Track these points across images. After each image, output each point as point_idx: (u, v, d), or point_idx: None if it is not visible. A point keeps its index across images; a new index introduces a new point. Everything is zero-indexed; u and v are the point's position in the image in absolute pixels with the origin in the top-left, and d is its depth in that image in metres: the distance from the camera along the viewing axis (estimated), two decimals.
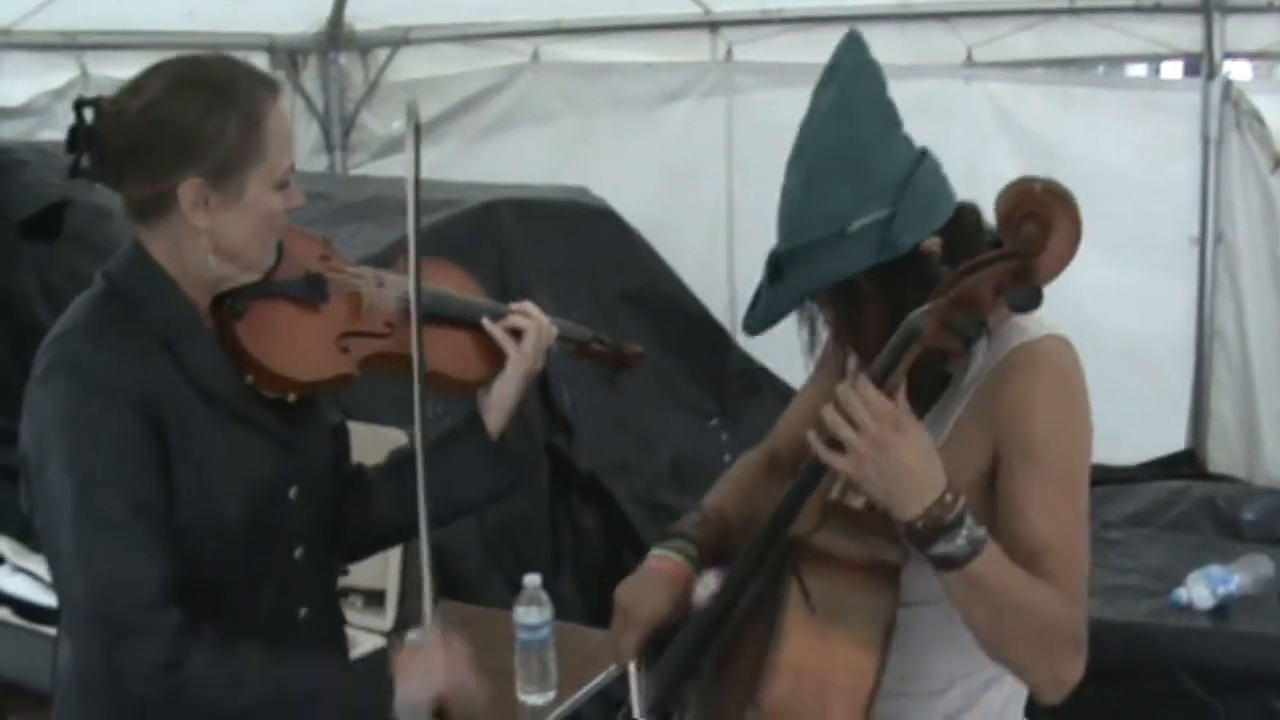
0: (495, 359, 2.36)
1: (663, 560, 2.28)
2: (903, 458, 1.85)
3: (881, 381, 1.87)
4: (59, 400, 1.96)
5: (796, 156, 2.07)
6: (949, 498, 1.85)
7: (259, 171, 2.02)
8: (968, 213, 2.07)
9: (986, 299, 1.85)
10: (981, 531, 1.86)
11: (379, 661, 2.14)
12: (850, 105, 2.04)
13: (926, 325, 1.85)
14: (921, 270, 1.98)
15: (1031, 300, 1.85)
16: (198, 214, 2.00)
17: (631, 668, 2.24)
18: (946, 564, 1.86)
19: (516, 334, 2.35)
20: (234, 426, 2.07)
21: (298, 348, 2.14)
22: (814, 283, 2.02)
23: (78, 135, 2.00)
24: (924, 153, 2.06)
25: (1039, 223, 1.79)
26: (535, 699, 3.00)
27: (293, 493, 2.16)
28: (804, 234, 2.01)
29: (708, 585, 2.24)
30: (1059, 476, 1.95)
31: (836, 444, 1.88)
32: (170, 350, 2.02)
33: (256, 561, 2.10)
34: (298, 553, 2.18)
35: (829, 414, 1.89)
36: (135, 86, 2.01)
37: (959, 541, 1.84)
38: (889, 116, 2.06)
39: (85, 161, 2.01)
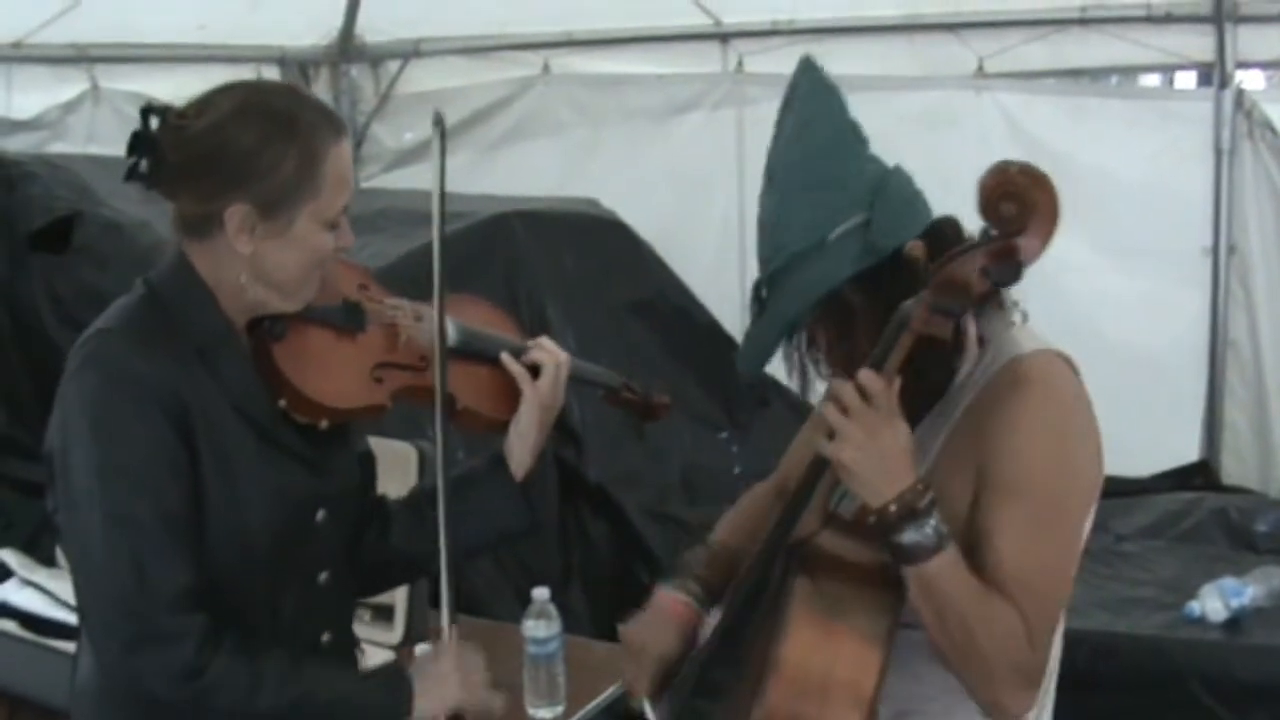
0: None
1: (670, 599, 2.30)
2: (885, 442, 1.88)
3: (877, 370, 1.89)
4: (88, 396, 1.95)
5: (767, 185, 2.08)
6: (921, 486, 1.88)
7: (310, 209, 2.01)
8: (947, 225, 2.07)
9: (974, 281, 1.87)
10: (946, 530, 1.88)
11: (398, 675, 2.14)
12: (813, 122, 2.05)
13: (916, 312, 1.87)
14: (907, 276, 1.98)
15: (1012, 274, 1.86)
16: (241, 239, 2.00)
17: (648, 707, 2.25)
18: (912, 555, 1.86)
19: (535, 369, 2.31)
20: (263, 442, 2.06)
21: (333, 375, 2.13)
22: (800, 300, 2.02)
23: (140, 140, 2.00)
24: (895, 168, 2.07)
25: (1017, 202, 1.82)
26: (544, 713, 2.99)
27: (320, 515, 2.15)
28: (783, 252, 2.02)
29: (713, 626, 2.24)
30: (1037, 511, 1.92)
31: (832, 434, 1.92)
32: (204, 361, 2.02)
33: (280, 581, 2.10)
34: (322, 577, 2.18)
35: (826, 406, 1.93)
36: (204, 103, 2.02)
37: (928, 530, 1.86)
38: (854, 132, 2.07)
39: (143, 167, 2.01)
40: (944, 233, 2.04)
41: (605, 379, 2.53)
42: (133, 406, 1.94)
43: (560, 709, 3.00)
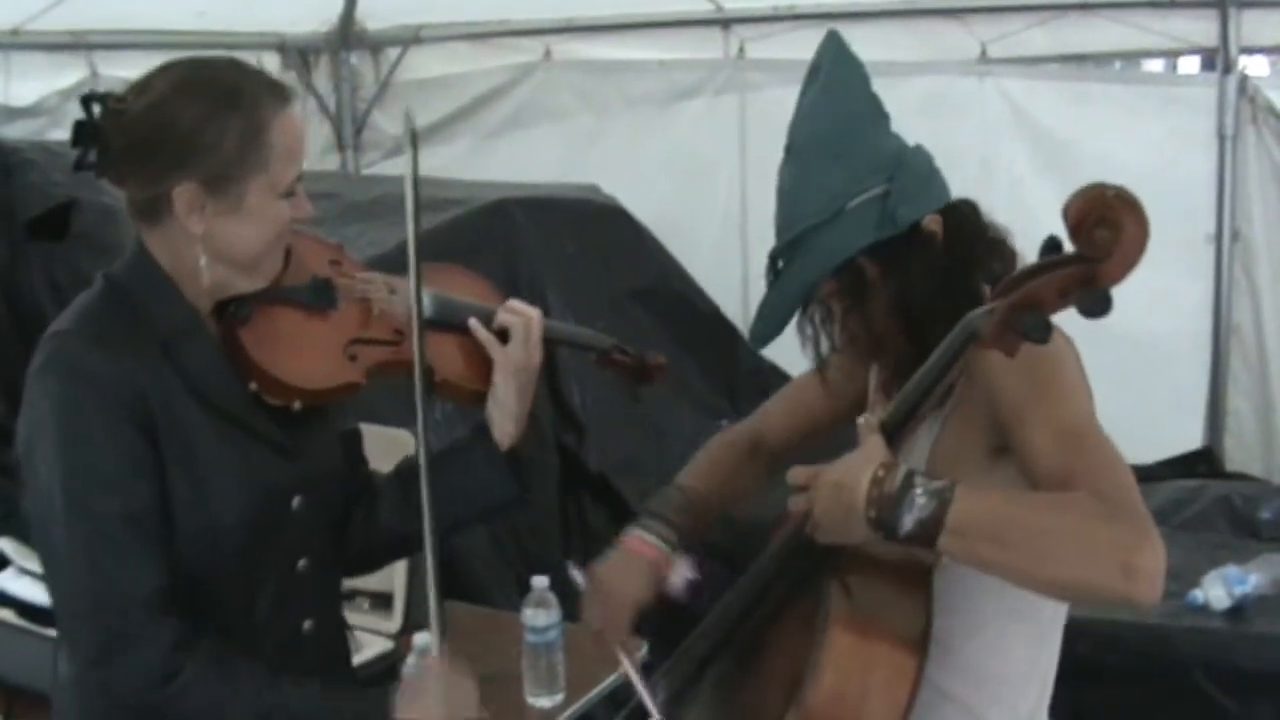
0: None
1: (643, 543, 2.29)
2: (832, 482, 1.87)
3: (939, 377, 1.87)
4: (50, 399, 1.93)
5: (787, 155, 2.08)
6: (881, 472, 1.83)
7: (260, 181, 1.98)
8: (966, 206, 2.07)
9: (1051, 301, 1.82)
10: (940, 483, 1.81)
11: (380, 693, 2.07)
12: (835, 94, 2.05)
13: (987, 325, 1.83)
14: (925, 251, 1.99)
15: (1103, 306, 1.80)
16: (192, 219, 1.96)
17: (621, 653, 2.25)
18: (929, 532, 1.79)
19: (505, 333, 2.26)
20: (233, 433, 2.03)
21: (304, 355, 2.09)
22: (816, 268, 2.02)
23: (84, 130, 1.97)
24: (916, 146, 2.07)
25: (1111, 228, 1.77)
26: (543, 701, 2.98)
27: (296, 502, 2.11)
28: (801, 221, 2.02)
29: (681, 571, 2.24)
30: (1049, 424, 1.86)
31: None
32: (168, 353, 1.99)
33: (254, 571, 2.06)
34: (301, 564, 2.14)
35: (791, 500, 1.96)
36: (142, 85, 1.98)
37: (920, 501, 1.79)
38: (875, 105, 2.07)
39: (90, 157, 1.98)
40: (963, 214, 2.05)
41: (594, 341, 2.45)
42: (95, 409, 1.91)
43: (560, 697, 2.99)
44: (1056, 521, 1.76)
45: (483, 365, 2.27)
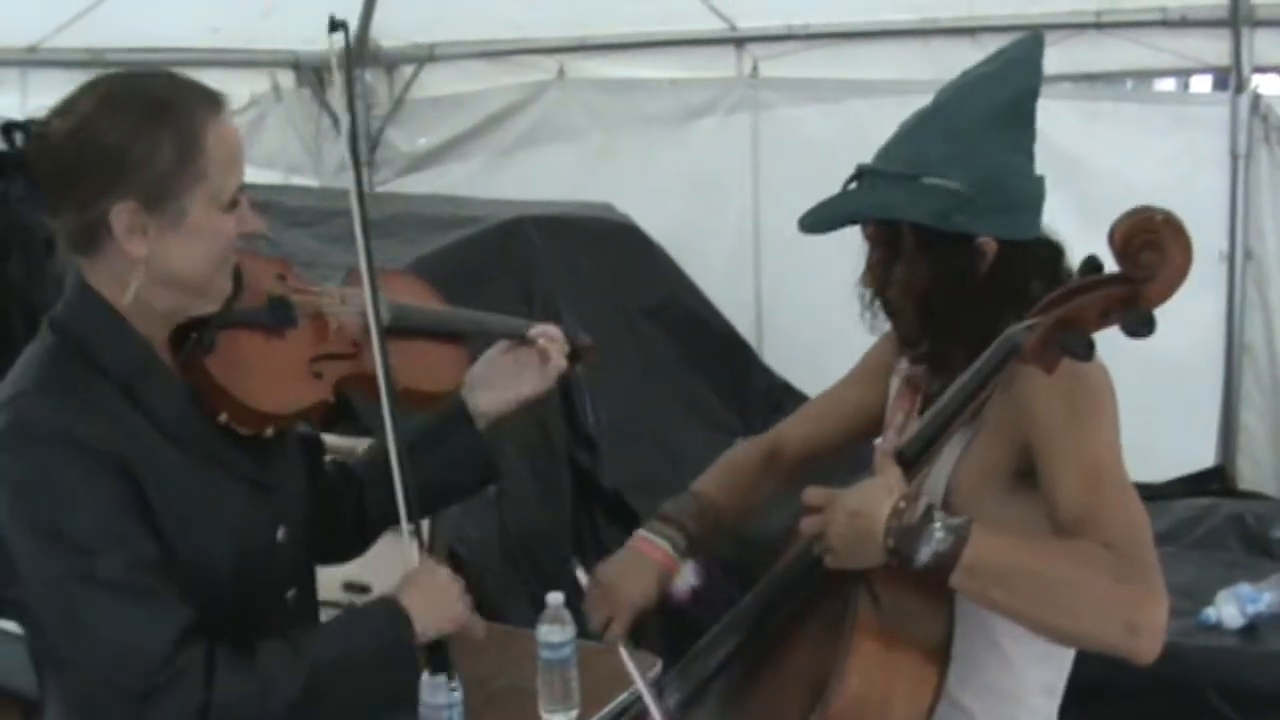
0: (460, 368, 2.33)
1: (652, 546, 2.32)
2: (847, 510, 1.91)
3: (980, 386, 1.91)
4: (25, 469, 1.83)
5: (927, 106, 2.12)
6: (903, 503, 1.87)
7: (201, 193, 1.87)
8: (1041, 248, 2.08)
9: (1093, 320, 1.85)
10: (959, 520, 1.86)
11: (389, 606, 2.03)
12: (992, 86, 2.07)
13: (1028, 341, 1.86)
14: (964, 262, 2.02)
15: (1146, 327, 1.84)
16: (134, 242, 1.85)
17: (623, 651, 2.27)
18: (944, 566, 1.83)
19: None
20: (208, 472, 1.96)
21: (273, 379, 2.03)
22: (867, 206, 2.08)
23: (6, 161, 1.86)
24: (1039, 177, 2.08)
25: (1157, 251, 1.80)
26: (558, 717, 2.97)
27: (280, 534, 2.07)
28: (884, 162, 2.08)
29: (685, 578, 2.25)
30: (1078, 458, 1.91)
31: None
32: (131, 397, 1.91)
33: (247, 608, 2.00)
34: (290, 594, 2.12)
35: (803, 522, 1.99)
36: (65, 106, 1.88)
37: (938, 535, 1.84)
38: (1018, 118, 2.07)
39: (18, 190, 1.86)
40: (1026, 254, 2.05)
41: (513, 328, 2.43)
42: (74, 469, 1.82)
43: (574, 714, 2.99)
44: (1066, 573, 1.82)
45: (437, 369, 2.29)
